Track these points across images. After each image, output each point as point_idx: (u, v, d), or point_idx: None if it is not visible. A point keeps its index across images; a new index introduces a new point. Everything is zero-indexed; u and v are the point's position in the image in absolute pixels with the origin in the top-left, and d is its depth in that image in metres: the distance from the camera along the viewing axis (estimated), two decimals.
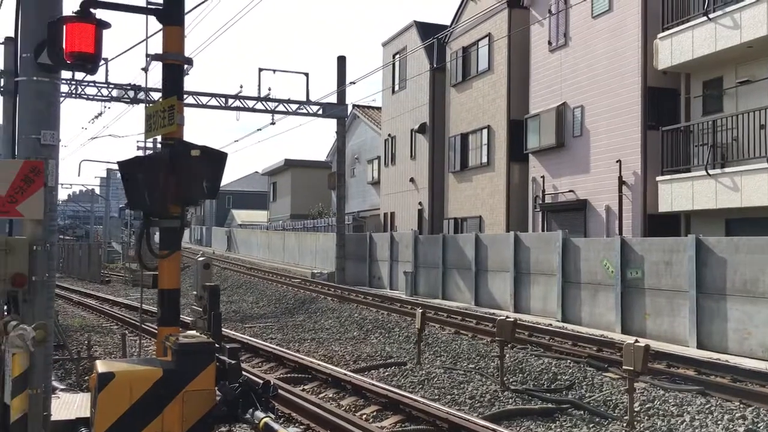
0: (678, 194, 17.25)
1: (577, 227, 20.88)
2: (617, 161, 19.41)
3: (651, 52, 18.62)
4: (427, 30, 30.43)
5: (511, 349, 12.41)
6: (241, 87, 28.03)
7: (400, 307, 19.50)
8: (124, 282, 32.92)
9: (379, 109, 37.95)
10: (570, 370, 10.85)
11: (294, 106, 28.47)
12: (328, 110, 29.15)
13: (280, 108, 28.29)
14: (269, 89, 28.24)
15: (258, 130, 30.11)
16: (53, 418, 5.23)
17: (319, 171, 48.05)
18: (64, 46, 4.49)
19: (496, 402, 9.23)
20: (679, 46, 17.56)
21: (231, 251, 52.66)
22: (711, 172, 16.22)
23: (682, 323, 13.98)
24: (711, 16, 16.51)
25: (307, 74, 28.42)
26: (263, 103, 27.95)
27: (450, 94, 29.11)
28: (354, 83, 28.66)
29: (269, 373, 11.31)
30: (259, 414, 3.92)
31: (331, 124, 31.22)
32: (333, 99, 29.17)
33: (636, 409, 8.46)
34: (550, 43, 22.89)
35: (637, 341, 8.28)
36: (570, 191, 21.61)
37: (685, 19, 17.55)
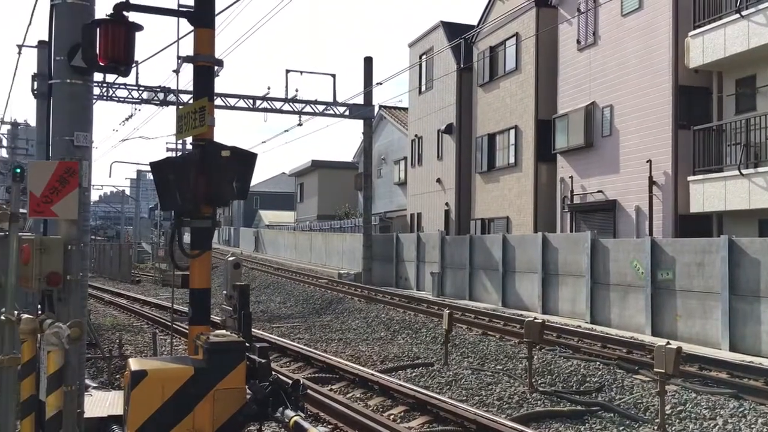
0: (710, 194, 16.99)
1: (606, 228, 20.66)
2: (647, 161, 19.17)
3: (682, 50, 18.36)
4: (453, 30, 30.36)
5: (539, 350, 12.33)
6: (269, 88, 28.17)
7: (427, 307, 19.47)
8: (154, 282, 33.31)
9: (405, 109, 37.93)
10: (599, 372, 10.75)
11: (321, 107, 28.58)
12: (354, 111, 29.21)
13: (308, 109, 28.42)
14: (296, 90, 28.38)
15: (285, 131, 30.28)
16: (86, 415, 5.31)
17: (346, 172, 48.18)
18: (98, 49, 4.56)
19: (525, 404, 9.18)
20: (711, 44, 17.30)
21: (258, 252, 53.03)
22: (744, 171, 15.94)
23: (714, 325, 13.76)
24: (744, 13, 16.24)
25: (334, 75, 28.54)
26: (290, 104, 28.10)
27: (477, 94, 28.99)
28: (381, 84, 28.72)
29: (297, 372, 11.37)
30: (289, 413, 3.94)
31: (358, 125, 31.26)
32: (360, 100, 29.23)
33: (667, 412, 8.35)
34: (578, 41, 22.69)
35: (668, 343, 8.17)
36: (599, 191, 21.40)
37: (717, 17, 17.29)
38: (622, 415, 8.63)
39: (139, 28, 4.67)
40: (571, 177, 22.73)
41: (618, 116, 20.73)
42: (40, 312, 5.28)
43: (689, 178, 17.72)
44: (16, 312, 4.67)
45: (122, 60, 4.61)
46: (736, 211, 16.47)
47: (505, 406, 9.09)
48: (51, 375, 4.11)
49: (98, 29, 4.59)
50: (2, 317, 4.71)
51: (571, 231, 22.20)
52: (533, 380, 10.03)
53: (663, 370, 7.91)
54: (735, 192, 16.19)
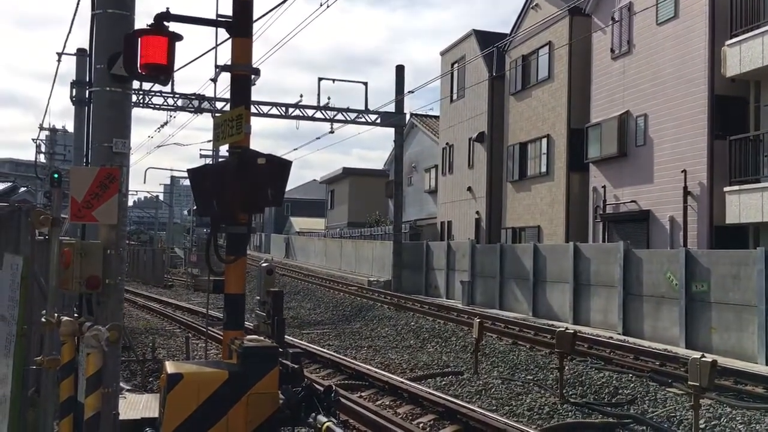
0: (747, 205, 16.70)
1: (639, 238, 20.41)
2: (682, 171, 18.91)
3: (718, 59, 18.11)
4: (485, 38, 30.32)
5: (570, 361, 12.21)
6: (301, 96, 28.40)
7: (457, 316, 19.40)
8: (186, 287, 33.68)
9: (436, 117, 37.92)
10: (632, 385, 10.61)
11: (353, 115, 28.73)
12: (386, 119, 29.30)
13: (339, 117, 28.58)
14: (329, 98, 28.59)
15: (317, 138, 30.50)
16: (121, 417, 5.40)
17: (377, 179, 48.28)
18: (139, 58, 4.66)
19: (555, 415, 9.10)
20: (749, 53, 17.04)
21: (289, 258, 53.33)
22: None
23: (750, 339, 13.51)
24: None
25: (366, 83, 28.69)
26: (322, 111, 28.30)
27: (509, 102, 28.90)
28: (412, 92, 28.95)
29: (327, 379, 11.42)
30: (322, 418, 3.97)
31: (389, 132, 31.34)
32: (391, 108, 29.32)
33: (701, 427, 8.22)
34: (612, 50, 22.51)
35: (703, 356, 8.05)
36: (632, 201, 21.16)
37: (755, 26, 17.03)
38: (655, 428, 8.51)
39: (180, 38, 4.77)
40: (604, 186, 22.51)
41: (652, 125, 20.50)
42: (76, 315, 5.39)
43: (725, 189, 17.44)
44: (56, 314, 4.79)
45: (162, 69, 4.70)
46: None
47: (535, 417, 9.02)
48: (90, 377, 4.20)
49: (139, 39, 4.70)
50: (43, 319, 4.83)
51: (604, 241, 21.97)
52: (564, 391, 9.94)
53: (697, 383, 7.79)
54: None
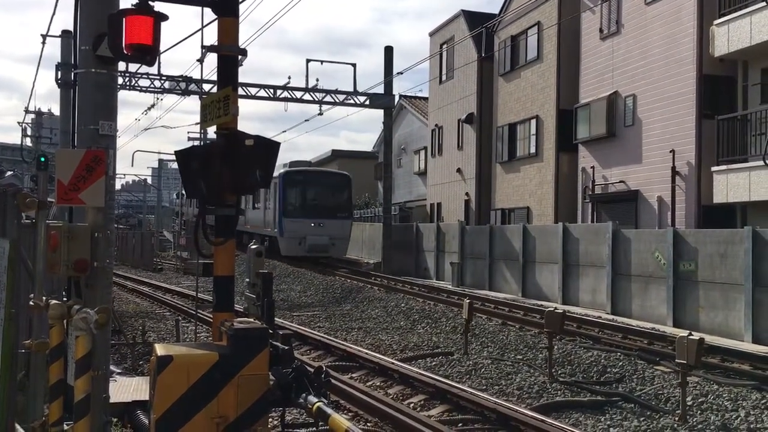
0: (734, 185, 16.80)
1: (627, 218, 20.51)
2: (670, 151, 18.99)
3: (707, 39, 18.12)
4: (474, 19, 30.19)
5: (559, 341, 12.30)
6: (289, 78, 28.28)
7: (447, 297, 19.48)
8: (175, 270, 33.62)
9: (425, 99, 37.82)
10: (620, 363, 10.71)
11: (341, 97, 28.62)
12: (375, 101, 29.20)
13: (328, 99, 28.46)
14: (317, 80, 28.55)
15: (306, 120, 30.35)
16: (111, 400, 5.39)
17: (366, 162, 48.15)
18: (124, 39, 4.60)
19: (545, 393, 9.18)
20: (737, 33, 17.05)
21: None
22: None
23: (737, 317, 13.65)
24: None
25: (354, 65, 28.61)
26: (311, 93, 28.17)
27: (498, 83, 28.84)
28: (401, 73, 28.71)
29: (317, 360, 11.45)
30: (312, 398, 3.97)
31: (378, 115, 31.27)
32: (380, 89, 29.21)
33: (688, 404, 8.31)
34: (601, 30, 22.47)
35: (690, 334, 8.13)
36: (620, 182, 21.24)
37: (743, 5, 17.04)
38: (643, 405, 8.60)
39: (165, 17, 4.70)
40: (593, 167, 22.57)
41: (641, 106, 20.53)
42: (65, 298, 5.37)
43: (713, 169, 17.52)
44: (44, 298, 4.76)
45: (148, 50, 4.64)
46: (760, 201, 16.27)
47: (525, 396, 9.10)
48: (79, 360, 4.18)
49: (124, 19, 4.63)
50: (31, 303, 4.80)
51: (593, 221, 22.07)
52: (553, 370, 10.02)
53: (685, 361, 7.87)
54: (760, 183, 15.99)
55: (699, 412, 8.30)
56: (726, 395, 8.84)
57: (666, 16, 19.57)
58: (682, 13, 18.96)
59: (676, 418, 7.98)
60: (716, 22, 17.74)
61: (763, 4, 16.17)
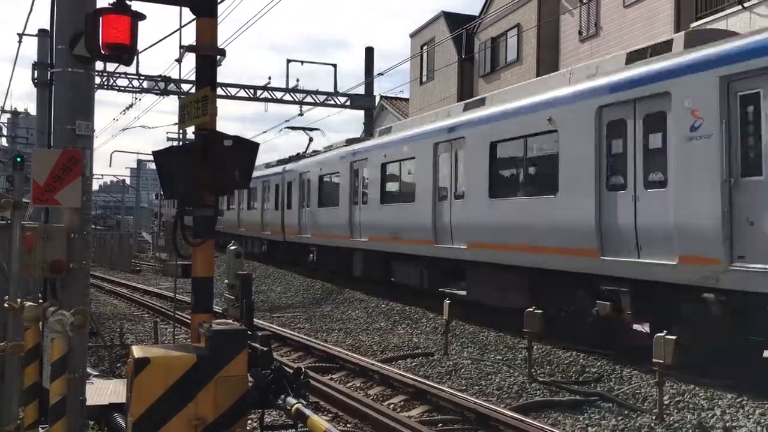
0: None
1: None
2: None
3: None
4: (455, 20, 30.27)
5: (539, 341, 12.35)
6: (270, 78, 28.17)
7: (427, 298, 19.47)
8: (154, 271, 33.37)
9: (406, 100, 37.85)
10: (598, 363, 10.79)
11: (322, 98, 28.58)
12: (355, 101, 29.20)
13: (308, 99, 28.40)
14: (297, 80, 28.49)
15: (286, 121, 30.28)
16: (88, 402, 5.35)
17: None
18: (101, 38, 4.56)
19: (524, 393, 9.23)
20: None
21: None
22: None
23: None
24: (746, 4, 16.18)
25: (335, 65, 28.61)
26: (291, 94, 28.10)
27: (478, 84, 28.93)
28: (382, 74, 28.74)
29: (297, 362, 11.42)
30: (291, 400, 3.97)
31: (359, 115, 31.26)
32: (361, 90, 29.21)
33: (665, 402, 8.39)
34: (580, 32, 22.64)
35: (667, 334, 8.20)
36: None
37: (719, 8, 17.24)
38: (621, 405, 8.67)
39: (143, 17, 4.68)
40: None
41: None
42: (41, 300, 5.31)
43: None
44: (19, 299, 4.71)
45: (125, 49, 4.61)
46: None
47: (504, 396, 9.14)
48: (55, 362, 4.14)
49: (101, 18, 4.59)
50: (6, 304, 4.75)
51: None
52: (532, 370, 10.07)
53: (662, 361, 7.95)
54: None
55: (676, 411, 8.39)
56: (702, 394, 8.93)
57: (644, 18, 19.75)
58: (660, 16, 19.15)
59: (654, 417, 8.06)
60: (693, 24, 17.93)
61: (739, 7, 16.38)
